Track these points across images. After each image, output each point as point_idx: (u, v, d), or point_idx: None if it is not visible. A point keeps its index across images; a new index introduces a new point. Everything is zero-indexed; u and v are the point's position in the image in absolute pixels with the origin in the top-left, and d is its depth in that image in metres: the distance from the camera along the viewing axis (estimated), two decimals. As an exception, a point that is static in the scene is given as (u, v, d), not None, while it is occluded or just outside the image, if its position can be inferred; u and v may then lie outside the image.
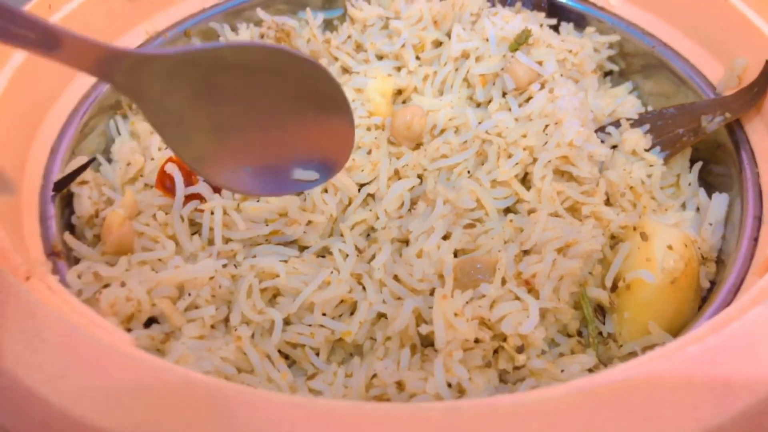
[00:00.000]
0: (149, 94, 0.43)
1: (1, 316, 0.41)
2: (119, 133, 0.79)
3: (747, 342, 0.40)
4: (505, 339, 0.56)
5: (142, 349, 0.46)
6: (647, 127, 0.75)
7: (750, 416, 0.37)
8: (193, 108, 0.45)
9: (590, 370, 0.57)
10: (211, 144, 0.48)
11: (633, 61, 0.87)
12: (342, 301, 0.61)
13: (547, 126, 0.69)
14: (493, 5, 0.88)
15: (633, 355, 0.60)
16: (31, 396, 0.38)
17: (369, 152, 0.73)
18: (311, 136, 0.51)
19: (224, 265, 0.62)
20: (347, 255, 0.63)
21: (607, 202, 0.70)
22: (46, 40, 0.37)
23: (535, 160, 0.68)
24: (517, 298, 0.57)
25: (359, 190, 0.70)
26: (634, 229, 0.65)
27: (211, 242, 0.65)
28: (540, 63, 0.75)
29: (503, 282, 0.58)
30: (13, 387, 0.39)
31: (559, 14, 0.90)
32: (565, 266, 0.59)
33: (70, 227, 0.66)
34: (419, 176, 0.72)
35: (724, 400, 0.38)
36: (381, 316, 0.60)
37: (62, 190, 0.66)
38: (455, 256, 0.63)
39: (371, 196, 0.70)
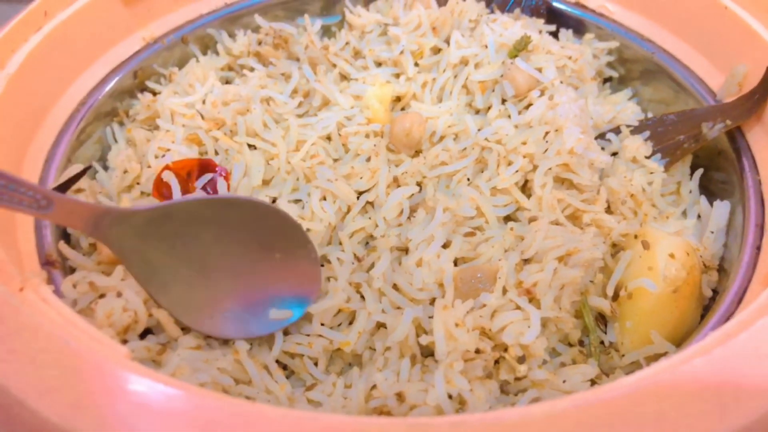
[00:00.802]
0: (130, 246, 0.47)
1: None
2: (116, 141, 0.78)
3: (754, 353, 0.39)
4: (506, 349, 0.55)
5: (138, 362, 0.45)
6: (647, 133, 0.74)
7: (758, 428, 0.37)
8: (170, 259, 0.49)
9: (592, 381, 0.57)
10: (189, 292, 0.52)
11: (632, 67, 0.87)
12: (340, 311, 0.60)
13: (547, 133, 0.69)
14: (492, 12, 0.88)
15: (635, 364, 0.60)
16: (25, 410, 0.38)
17: (368, 159, 0.73)
18: (281, 276, 0.55)
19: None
20: (345, 263, 0.63)
21: (608, 210, 0.69)
22: (40, 203, 0.42)
23: (535, 167, 0.68)
24: (518, 307, 0.56)
25: (358, 197, 0.69)
26: (636, 237, 0.64)
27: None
28: (539, 70, 0.75)
29: (504, 291, 0.58)
30: (7, 401, 0.38)
31: (558, 21, 0.90)
32: (567, 275, 0.58)
33: (65, 236, 0.66)
34: (418, 184, 0.71)
35: (732, 412, 0.37)
36: (380, 326, 0.59)
37: (57, 198, 0.65)
38: (455, 264, 0.62)
39: (370, 203, 0.70)
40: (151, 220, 0.47)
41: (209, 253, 0.51)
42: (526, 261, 0.61)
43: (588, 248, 0.61)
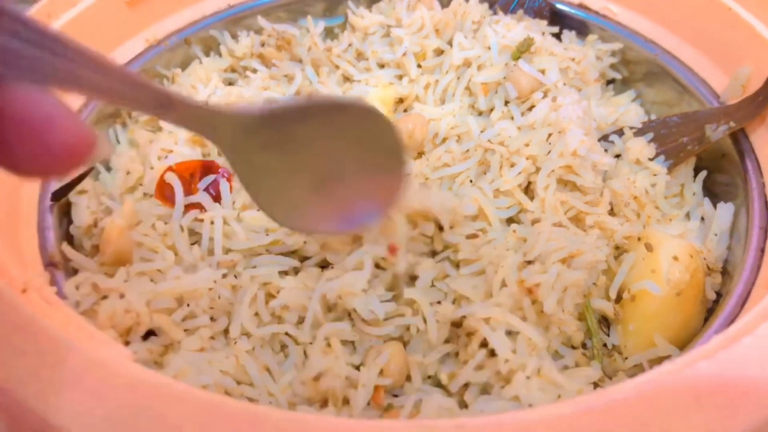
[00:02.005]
0: (239, 147, 0.46)
1: (-3, 332, 0.40)
2: (118, 142, 0.78)
3: (758, 357, 0.39)
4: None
5: (141, 363, 0.45)
6: (651, 135, 0.74)
7: (761, 433, 0.37)
8: (272, 159, 0.48)
9: (595, 383, 0.56)
10: (287, 190, 0.51)
11: (635, 69, 0.87)
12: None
13: (550, 135, 0.69)
14: (495, 13, 0.88)
15: (638, 367, 0.60)
16: (28, 413, 0.38)
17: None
18: (370, 181, 0.53)
19: (224, 276, 0.61)
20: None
21: (611, 212, 0.69)
22: (162, 104, 0.39)
23: (538, 169, 0.67)
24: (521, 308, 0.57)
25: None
26: (639, 239, 0.64)
27: (210, 252, 0.64)
28: (542, 71, 0.75)
29: (503, 284, 0.58)
30: (10, 404, 0.38)
31: (561, 22, 0.90)
32: (570, 277, 0.58)
33: (68, 237, 0.66)
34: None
35: (736, 416, 0.37)
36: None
37: (60, 199, 0.65)
38: (458, 266, 0.62)
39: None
40: (263, 121, 0.46)
41: (307, 152, 0.50)
42: (529, 263, 0.61)
43: (591, 250, 0.60)
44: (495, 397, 0.53)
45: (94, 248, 0.65)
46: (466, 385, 0.55)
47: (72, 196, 0.66)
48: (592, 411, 0.37)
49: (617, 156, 0.74)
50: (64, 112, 0.31)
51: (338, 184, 0.52)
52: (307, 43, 0.84)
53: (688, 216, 0.72)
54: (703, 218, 0.71)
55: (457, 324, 0.58)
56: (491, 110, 0.76)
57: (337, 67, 0.83)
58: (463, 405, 0.54)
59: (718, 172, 0.73)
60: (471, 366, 0.54)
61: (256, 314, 0.59)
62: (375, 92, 0.78)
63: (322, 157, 0.50)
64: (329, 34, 0.94)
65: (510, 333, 0.55)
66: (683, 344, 0.60)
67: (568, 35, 0.89)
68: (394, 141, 0.51)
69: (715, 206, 0.70)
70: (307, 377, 0.53)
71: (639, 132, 0.75)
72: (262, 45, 0.86)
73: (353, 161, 0.51)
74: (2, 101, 0.29)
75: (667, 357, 0.58)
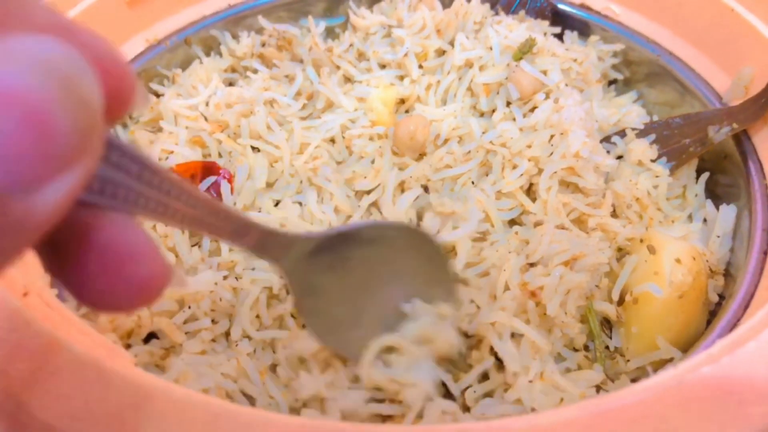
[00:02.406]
0: (300, 271, 0.46)
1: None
2: (119, 143, 0.78)
3: (763, 362, 0.39)
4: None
5: (142, 367, 0.45)
6: (653, 137, 0.74)
7: (766, 439, 0.37)
8: (327, 280, 0.49)
9: (598, 386, 0.56)
10: (335, 311, 0.51)
11: (638, 69, 0.86)
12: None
13: (552, 136, 0.68)
14: (497, 14, 0.88)
15: (641, 370, 0.59)
16: (28, 415, 0.37)
17: (372, 162, 0.73)
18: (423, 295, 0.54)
19: (225, 277, 0.61)
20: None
21: (613, 214, 0.69)
22: (239, 231, 0.39)
23: (540, 171, 0.67)
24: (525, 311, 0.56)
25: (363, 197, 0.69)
26: (641, 241, 0.64)
27: (211, 254, 0.64)
28: (544, 72, 0.74)
29: (506, 287, 0.57)
30: (11, 406, 0.38)
31: (562, 22, 0.89)
32: (572, 280, 0.58)
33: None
34: (423, 187, 0.71)
35: (740, 421, 0.37)
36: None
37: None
38: (460, 268, 0.62)
39: (373, 205, 0.69)
40: (324, 243, 0.47)
41: (358, 273, 0.51)
42: (531, 265, 0.61)
43: (593, 253, 0.60)
44: (497, 400, 0.53)
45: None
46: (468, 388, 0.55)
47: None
48: (596, 416, 0.37)
49: (619, 157, 0.74)
50: (149, 245, 0.29)
51: (394, 301, 0.53)
52: (308, 43, 0.83)
53: (690, 218, 0.72)
54: (705, 220, 0.71)
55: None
56: (493, 111, 0.75)
57: (338, 67, 0.83)
58: (466, 408, 0.54)
59: (721, 173, 0.73)
60: (477, 371, 0.54)
61: (258, 317, 0.59)
62: (376, 93, 0.77)
63: (371, 274, 0.51)
64: (330, 34, 0.94)
65: (513, 336, 0.55)
66: (685, 347, 0.60)
67: (570, 36, 0.88)
68: (436, 251, 0.54)
69: (717, 208, 0.70)
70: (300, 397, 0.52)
71: (641, 133, 0.75)
72: (263, 45, 0.86)
73: (405, 277, 0.53)
74: (93, 230, 0.27)
75: (670, 359, 0.58)
